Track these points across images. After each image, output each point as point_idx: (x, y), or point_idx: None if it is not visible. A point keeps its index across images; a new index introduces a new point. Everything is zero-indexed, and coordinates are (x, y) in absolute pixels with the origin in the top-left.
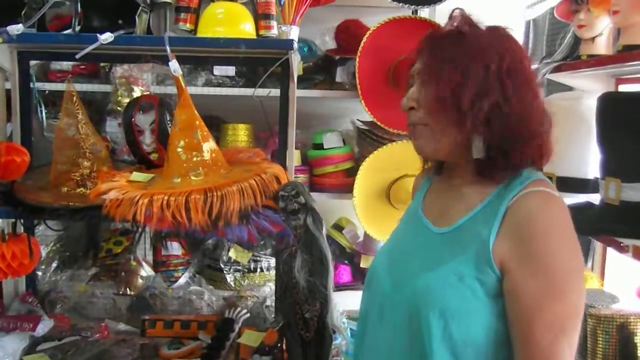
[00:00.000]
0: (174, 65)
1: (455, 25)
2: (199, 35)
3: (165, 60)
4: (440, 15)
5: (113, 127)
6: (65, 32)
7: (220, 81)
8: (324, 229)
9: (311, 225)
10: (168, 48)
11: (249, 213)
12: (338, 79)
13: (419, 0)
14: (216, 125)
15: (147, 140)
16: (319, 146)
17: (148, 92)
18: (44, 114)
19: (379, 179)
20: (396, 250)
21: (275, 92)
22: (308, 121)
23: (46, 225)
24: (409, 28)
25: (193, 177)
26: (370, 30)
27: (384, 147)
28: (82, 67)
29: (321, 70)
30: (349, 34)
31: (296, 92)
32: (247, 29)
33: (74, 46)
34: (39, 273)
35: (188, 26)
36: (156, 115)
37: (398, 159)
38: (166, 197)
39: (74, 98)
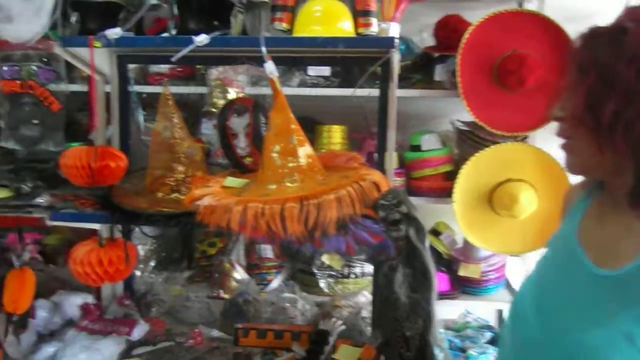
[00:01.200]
0: (269, 67)
1: (617, 21)
2: (295, 34)
3: (260, 62)
4: (550, 8)
5: (208, 128)
6: (162, 35)
7: (315, 81)
8: (427, 240)
9: (413, 237)
10: (264, 49)
11: (347, 223)
12: (437, 77)
13: None
14: (310, 127)
15: (242, 144)
16: (417, 148)
17: (242, 94)
18: (142, 117)
19: (481, 183)
20: (547, 288)
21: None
22: (405, 122)
23: (141, 231)
24: (516, 22)
25: (288, 184)
26: (474, 26)
27: (487, 149)
28: (179, 69)
29: (419, 69)
30: (449, 29)
31: (405, 92)
32: (345, 27)
33: (170, 49)
34: (137, 272)
35: (284, 25)
36: (251, 119)
37: (502, 161)
38: (261, 206)
39: (170, 101)
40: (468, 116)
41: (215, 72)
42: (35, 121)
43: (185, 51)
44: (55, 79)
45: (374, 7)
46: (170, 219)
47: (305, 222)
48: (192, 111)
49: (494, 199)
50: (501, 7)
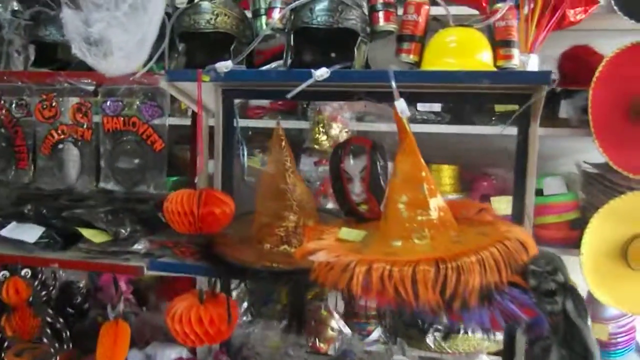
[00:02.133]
0: (400, 105)
1: None
2: (425, 67)
3: (379, 98)
4: None
5: (307, 164)
6: (276, 67)
7: (425, 117)
8: (588, 317)
9: (572, 312)
10: (394, 84)
11: (492, 292)
12: (562, 114)
13: None
14: None
15: (357, 190)
16: (538, 192)
17: (347, 130)
18: (245, 156)
19: (615, 234)
20: None
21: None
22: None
23: (245, 287)
24: None
25: (417, 241)
26: (609, 57)
27: (623, 196)
28: (280, 102)
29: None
30: (578, 62)
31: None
32: (484, 59)
33: (283, 83)
34: None
35: (412, 57)
36: (368, 161)
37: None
38: (388, 267)
39: (283, 142)
40: (597, 157)
41: (320, 107)
42: (137, 160)
43: (303, 86)
44: (159, 116)
45: (515, 36)
46: (280, 276)
47: (442, 289)
48: (292, 147)
49: (630, 252)
50: (633, 38)
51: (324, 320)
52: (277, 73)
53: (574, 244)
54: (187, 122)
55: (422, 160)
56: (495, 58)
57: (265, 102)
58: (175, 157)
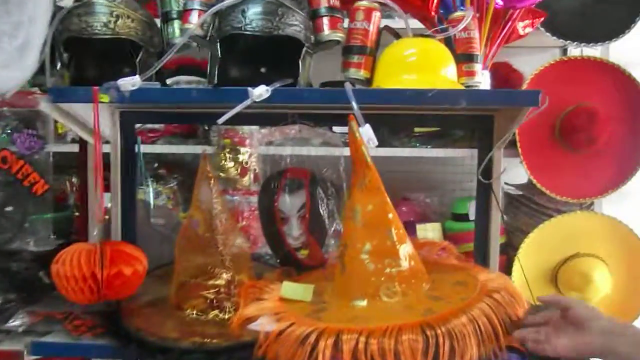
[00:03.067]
0: (367, 132)
1: None
2: (378, 84)
3: (318, 120)
4: (616, 54)
5: (208, 194)
6: (196, 84)
7: (344, 139)
8: None
9: None
10: (355, 106)
11: None
12: None
13: (588, 36)
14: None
15: (295, 232)
16: (462, 217)
17: (255, 155)
18: (151, 192)
19: (543, 259)
20: None
21: None
22: (442, 185)
23: None
24: (579, 71)
25: (386, 298)
26: (532, 75)
27: (553, 219)
28: (174, 125)
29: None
30: (498, 80)
31: (436, 151)
32: (450, 75)
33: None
34: None
35: (362, 73)
36: (307, 197)
37: (568, 234)
38: (363, 338)
39: (211, 180)
40: (515, 178)
41: (226, 129)
42: (10, 208)
43: (238, 109)
44: (39, 148)
45: (478, 49)
46: (217, 356)
47: None
48: (189, 174)
49: (561, 277)
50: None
51: None
52: (202, 92)
53: (503, 270)
54: (66, 148)
55: (388, 200)
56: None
57: (160, 125)
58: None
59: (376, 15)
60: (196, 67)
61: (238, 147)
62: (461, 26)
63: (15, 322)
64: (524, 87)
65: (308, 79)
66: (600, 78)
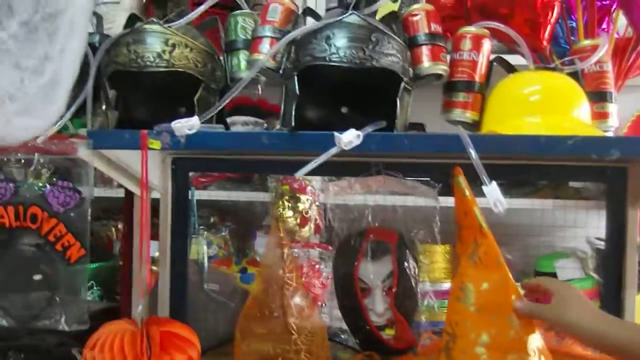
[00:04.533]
0: (494, 193)
1: None
2: (488, 128)
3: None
4: None
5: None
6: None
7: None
8: None
9: None
10: (475, 156)
11: None
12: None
13: None
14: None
15: (379, 307)
16: (548, 276)
17: (317, 204)
18: (205, 251)
19: None
20: None
21: None
22: (523, 239)
23: None
24: None
25: None
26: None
27: None
28: None
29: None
30: None
31: (514, 202)
32: (582, 117)
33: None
34: None
35: (469, 115)
36: (395, 265)
37: None
38: None
39: (285, 248)
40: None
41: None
42: (38, 277)
43: (322, 159)
44: (75, 205)
45: (611, 86)
46: None
47: None
48: (242, 222)
49: None
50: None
51: None
52: (276, 138)
53: None
54: (112, 193)
55: (510, 276)
56: None
57: None
58: (97, 236)
59: (486, 43)
60: (254, 108)
61: (298, 195)
62: (596, 57)
63: None
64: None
65: (406, 122)
66: None
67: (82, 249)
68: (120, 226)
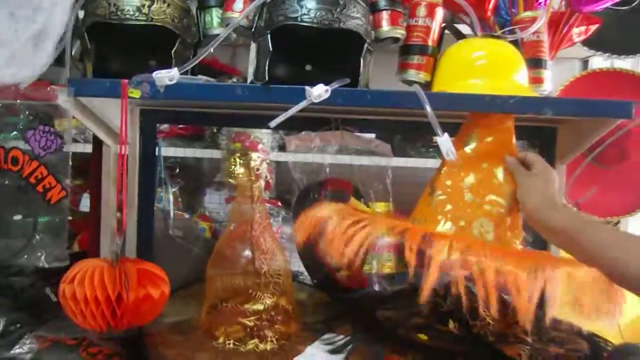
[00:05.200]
0: (445, 144)
1: None
2: (438, 88)
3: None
4: None
5: (215, 202)
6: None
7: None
8: None
9: None
10: (430, 111)
11: None
12: None
13: (620, 47)
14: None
15: None
16: None
17: (267, 162)
18: (171, 199)
19: None
20: None
21: None
22: None
23: None
24: (609, 84)
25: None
26: (562, 87)
27: None
28: (180, 126)
29: None
30: None
31: None
32: (521, 81)
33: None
34: None
35: (422, 75)
36: None
37: None
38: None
39: (256, 190)
40: None
41: (236, 133)
42: (18, 217)
43: (294, 110)
44: (57, 148)
45: (547, 54)
46: None
47: None
48: (191, 179)
49: None
50: (566, 67)
51: None
52: (251, 90)
53: None
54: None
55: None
56: None
57: (164, 126)
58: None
59: (439, 11)
60: (205, 67)
61: (248, 152)
62: (534, 27)
63: (21, 349)
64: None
65: (367, 81)
66: (631, 91)
67: (63, 190)
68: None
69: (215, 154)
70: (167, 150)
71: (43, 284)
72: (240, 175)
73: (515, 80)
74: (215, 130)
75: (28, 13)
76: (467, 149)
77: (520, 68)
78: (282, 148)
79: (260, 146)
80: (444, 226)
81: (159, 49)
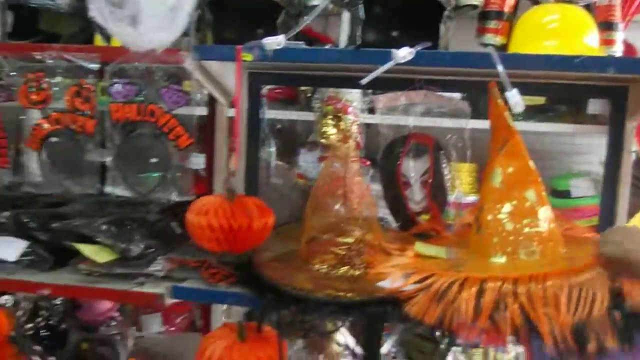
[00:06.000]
0: (514, 97)
1: None
2: (514, 50)
3: (443, 87)
4: None
5: (308, 160)
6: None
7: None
8: None
9: None
10: (502, 70)
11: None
12: (591, 110)
13: None
14: None
15: (416, 196)
16: (564, 194)
17: (358, 123)
18: (273, 152)
19: None
20: None
21: None
22: (544, 161)
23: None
24: None
25: (524, 257)
26: None
27: None
28: (278, 90)
29: (566, 99)
30: None
31: (538, 126)
32: (591, 43)
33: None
34: None
35: (499, 39)
36: (432, 162)
37: None
38: (508, 285)
39: (349, 139)
40: None
41: (329, 96)
42: (155, 160)
43: (381, 70)
44: (184, 103)
45: (618, 18)
46: (351, 309)
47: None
48: (287, 139)
49: None
50: None
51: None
52: (345, 53)
53: None
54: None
55: (531, 163)
56: None
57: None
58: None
59: None
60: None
61: (340, 115)
62: None
63: (155, 268)
64: None
65: (447, 45)
66: None
67: (190, 138)
68: None
69: (308, 116)
70: (266, 113)
71: (169, 219)
72: (332, 136)
73: (585, 42)
74: (309, 95)
75: None
76: (496, 184)
77: (591, 31)
78: (371, 111)
79: (350, 109)
80: (500, 259)
81: (263, 20)
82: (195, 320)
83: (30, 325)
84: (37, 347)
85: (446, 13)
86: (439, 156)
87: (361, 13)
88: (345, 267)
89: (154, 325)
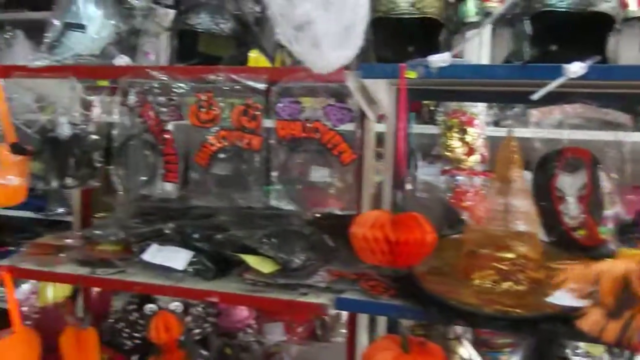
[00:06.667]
0: None
1: None
2: None
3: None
4: None
5: (430, 173)
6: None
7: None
8: None
9: None
10: None
11: None
12: None
13: None
14: None
15: (572, 212)
16: None
17: (483, 137)
18: (417, 166)
19: None
20: None
21: None
22: None
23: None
24: None
25: None
26: None
27: None
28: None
29: None
30: None
31: None
32: None
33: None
34: None
35: None
36: (589, 177)
37: None
38: None
39: (515, 154)
40: None
41: (454, 109)
42: (319, 173)
43: (553, 85)
44: (348, 120)
45: None
46: (521, 325)
47: None
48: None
49: None
50: None
51: (451, 348)
52: (510, 70)
53: None
54: None
55: None
56: None
57: None
58: None
59: None
60: None
61: (465, 128)
62: None
63: (316, 279)
64: None
65: (615, 59)
66: None
67: (353, 154)
68: None
69: (431, 129)
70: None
71: (321, 232)
72: (457, 149)
73: None
74: (431, 108)
75: (338, 8)
76: None
77: None
78: (496, 124)
79: (476, 122)
80: None
81: (415, 38)
82: (315, 330)
83: (198, 331)
84: (204, 352)
85: (616, 26)
86: (596, 170)
87: (527, 29)
88: (509, 283)
89: (276, 333)
